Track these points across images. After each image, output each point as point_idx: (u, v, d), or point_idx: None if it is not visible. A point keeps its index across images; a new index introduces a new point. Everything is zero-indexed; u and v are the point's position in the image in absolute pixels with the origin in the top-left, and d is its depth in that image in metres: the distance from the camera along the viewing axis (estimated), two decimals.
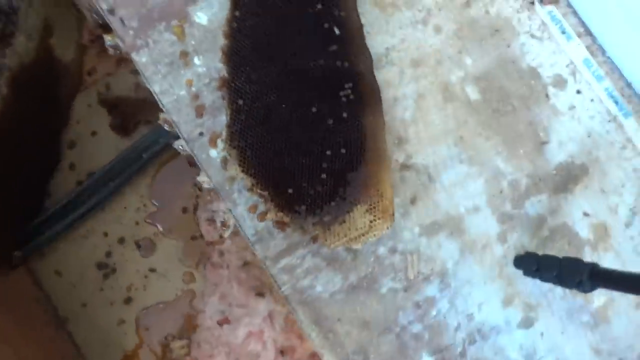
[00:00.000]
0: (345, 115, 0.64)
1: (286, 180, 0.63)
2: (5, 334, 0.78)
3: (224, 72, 0.66)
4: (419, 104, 0.69)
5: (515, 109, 0.71)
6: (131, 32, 0.67)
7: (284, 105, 0.64)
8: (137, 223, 0.94)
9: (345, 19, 0.65)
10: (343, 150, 0.64)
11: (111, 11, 0.67)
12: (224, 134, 0.65)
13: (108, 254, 0.93)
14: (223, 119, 0.66)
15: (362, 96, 0.64)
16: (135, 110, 0.92)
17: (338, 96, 0.64)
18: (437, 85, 0.70)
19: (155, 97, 0.68)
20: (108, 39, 0.74)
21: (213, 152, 0.67)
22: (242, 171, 0.63)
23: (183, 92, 0.67)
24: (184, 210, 0.94)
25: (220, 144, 0.66)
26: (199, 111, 0.67)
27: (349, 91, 0.64)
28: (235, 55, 0.65)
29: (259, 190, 0.63)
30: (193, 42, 0.67)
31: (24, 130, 0.82)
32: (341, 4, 0.65)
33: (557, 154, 0.73)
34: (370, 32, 0.69)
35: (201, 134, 0.67)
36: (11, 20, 0.74)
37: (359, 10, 0.68)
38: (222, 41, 0.66)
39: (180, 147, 0.74)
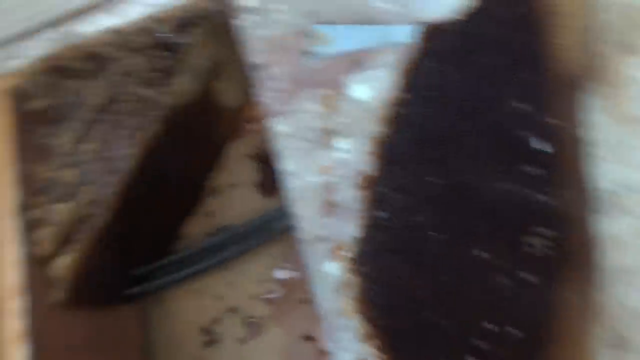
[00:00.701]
0: (526, 276, 0.41)
1: (415, 348, 0.43)
2: None
3: (370, 168, 0.50)
4: None
5: None
6: (275, 94, 0.56)
7: (434, 234, 0.44)
8: (253, 297, 0.82)
9: (558, 131, 0.43)
10: (512, 331, 0.41)
11: (259, 67, 0.57)
12: (351, 249, 0.48)
13: (215, 321, 0.83)
14: (356, 228, 0.50)
15: (562, 255, 0.41)
16: None
17: (521, 244, 0.42)
18: None
19: (280, 177, 0.55)
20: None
21: (331, 267, 0.50)
22: (360, 310, 0.45)
23: (315, 180, 0.52)
24: (305, 301, 0.79)
25: (343, 260, 0.50)
26: (328, 209, 0.51)
27: (542, 241, 0.41)
28: (390, 150, 0.48)
29: (375, 349, 0.44)
30: (343, 120, 0.53)
31: (168, 168, 0.78)
32: (556, 106, 0.43)
33: None
34: (599, 157, 0.45)
35: (323, 238, 0.51)
36: (178, 59, 0.71)
37: (585, 120, 0.45)
38: (377, 127, 0.50)
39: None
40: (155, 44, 0.69)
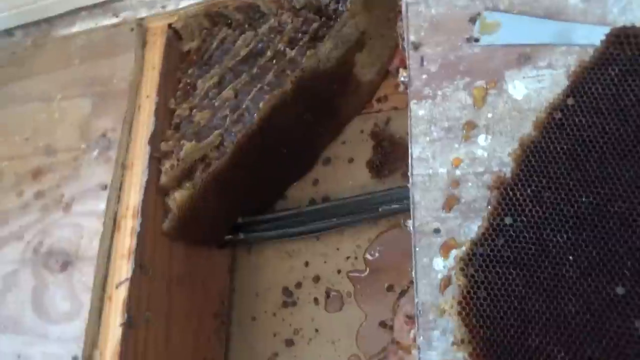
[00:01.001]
0: None
1: None
2: (183, 303, 0.78)
3: (507, 170, 0.46)
4: None
5: None
6: (425, 76, 0.54)
7: (570, 258, 0.41)
8: (339, 271, 0.82)
9: None
10: None
11: (416, 46, 0.55)
12: (464, 249, 0.46)
13: (298, 285, 0.84)
14: (474, 228, 0.47)
15: None
16: (398, 157, 0.80)
17: None
18: None
19: (409, 160, 0.53)
20: (403, 74, 0.63)
21: (438, 263, 0.48)
22: (459, 313, 0.43)
23: (442, 170, 0.50)
24: (390, 288, 0.78)
25: (452, 258, 0.47)
26: (449, 203, 0.49)
27: None
28: (535, 155, 0.44)
29: (466, 355, 0.41)
30: (489, 115, 0.50)
31: (291, 128, 0.79)
32: None
33: None
34: None
35: (437, 231, 0.49)
36: (327, 25, 0.71)
37: None
38: (527, 130, 0.46)
39: (407, 227, 0.58)
40: (311, 6, 0.70)
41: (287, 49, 0.70)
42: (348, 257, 0.83)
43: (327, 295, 0.82)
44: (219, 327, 0.86)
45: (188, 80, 0.73)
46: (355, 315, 0.80)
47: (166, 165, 0.70)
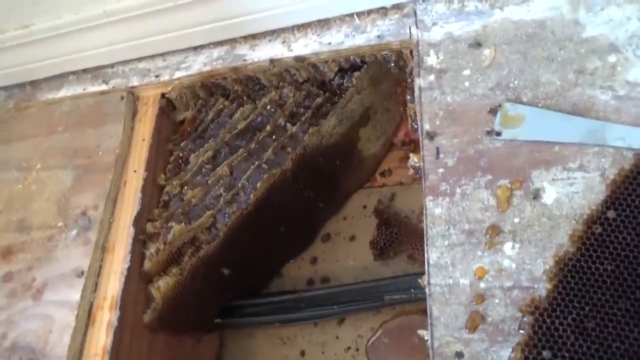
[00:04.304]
0: None
1: None
2: None
3: (540, 288, 0.41)
4: None
5: None
6: (441, 170, 0.49)
7: None
8: None
9: None
10: None
11: (430, 135, 0.50)
12: None
13: None
14: (503, 355, 0.40)
15: None
16: (404, 239, 0.74)
17: None
18: None
19: (425, 266, 0.47)
20: (414, 159, 0.58)
21: None
22: None
23: (464, 282, 0.44)
24: None
25: None
26: (473, 322, 0.43)
27: None
28: (574, 276, 0.38)
29: None
30: (516, 221, 0.44)
31: (290, 206, 0.73)
32: None
33: None
34: None
35: (459, 355, 0.42)
36: (331, 100, 0.66)
37: None
38: (563, 241, 0.41)
39: (424, 336, 0.51)
40: (314, 80, 0.65)
41: (288, 124, 0.65)
42: (348, 348, 0.75)
43: None
44: None
45: (180, 154, 0.68)
46: None
47: (151, 249, 0.63)
